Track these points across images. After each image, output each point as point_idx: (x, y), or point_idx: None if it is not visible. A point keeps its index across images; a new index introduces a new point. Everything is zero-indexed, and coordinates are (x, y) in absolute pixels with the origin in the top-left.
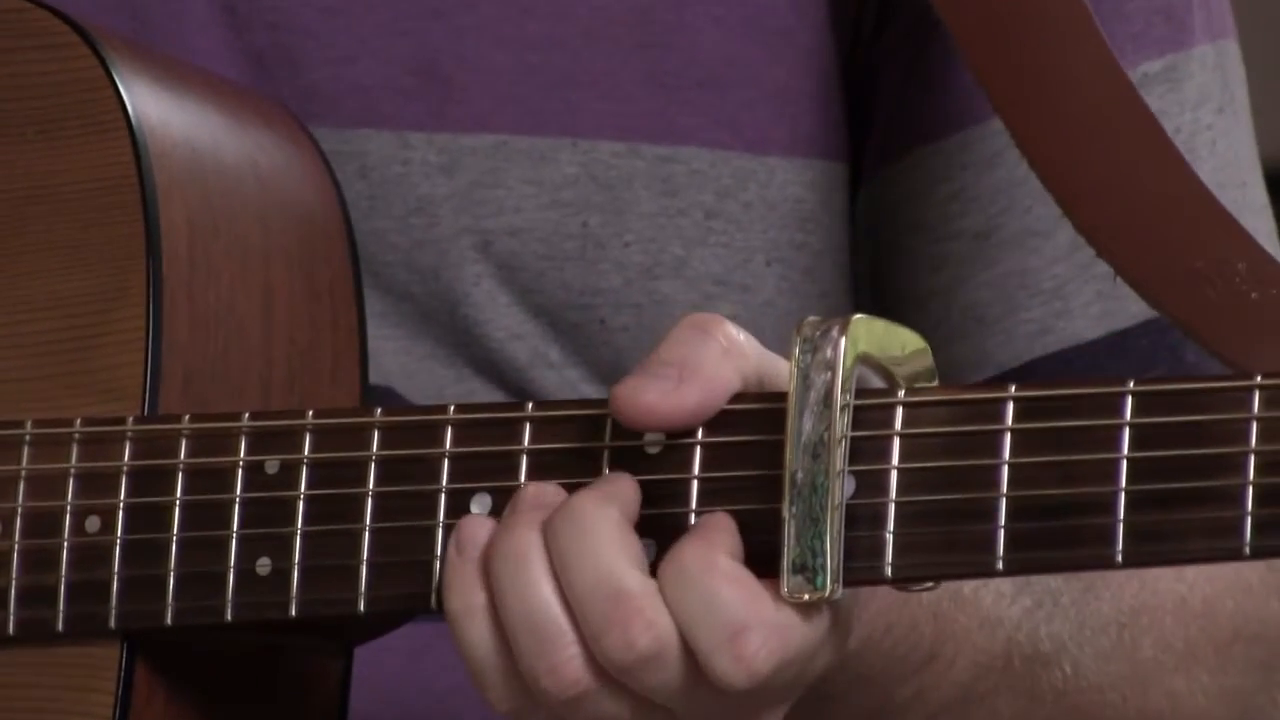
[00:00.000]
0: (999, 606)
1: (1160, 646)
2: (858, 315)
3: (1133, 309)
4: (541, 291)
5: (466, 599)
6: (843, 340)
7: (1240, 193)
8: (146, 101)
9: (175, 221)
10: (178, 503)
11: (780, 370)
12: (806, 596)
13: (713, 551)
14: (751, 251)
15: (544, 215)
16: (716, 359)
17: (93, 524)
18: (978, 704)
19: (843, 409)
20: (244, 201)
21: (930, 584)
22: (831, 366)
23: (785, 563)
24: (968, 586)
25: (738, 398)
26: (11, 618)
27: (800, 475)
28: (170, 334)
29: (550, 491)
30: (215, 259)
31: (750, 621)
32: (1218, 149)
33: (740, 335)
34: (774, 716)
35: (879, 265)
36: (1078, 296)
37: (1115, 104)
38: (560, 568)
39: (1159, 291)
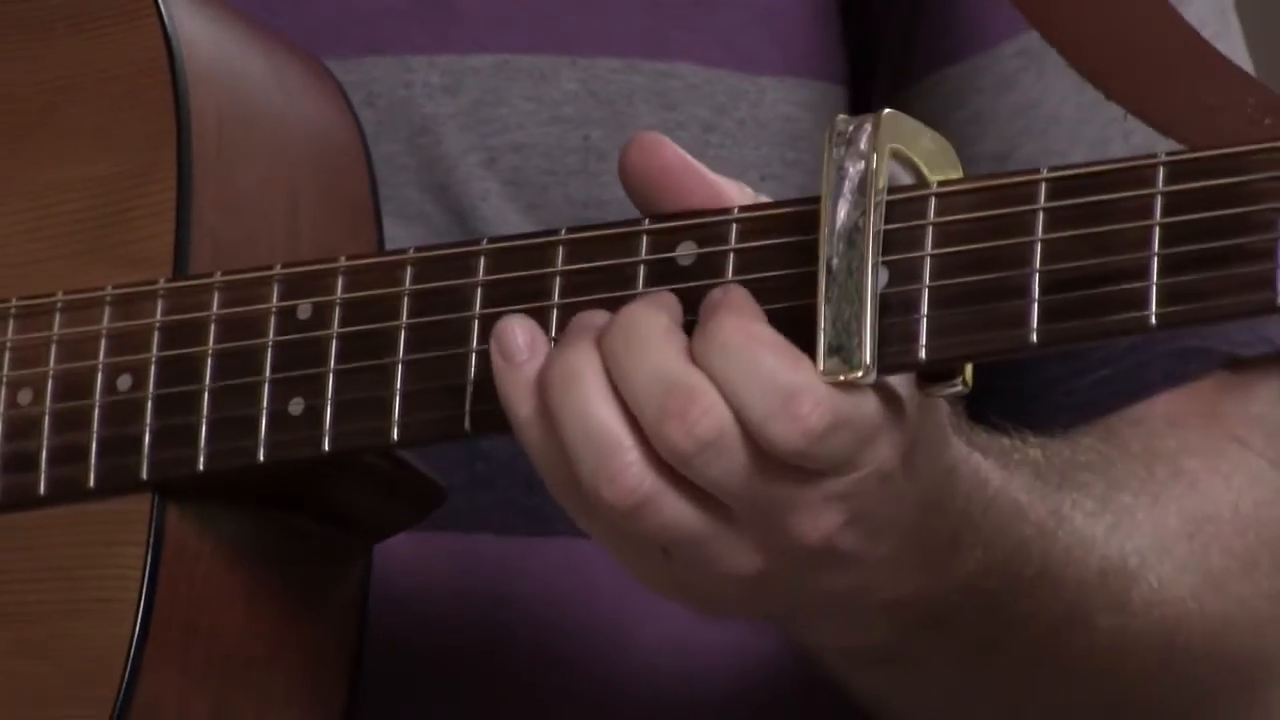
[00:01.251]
0: (1089, 525)
1: (1226, 554)
2: (887, 110)
3: None
4: (547, 205)
5: (522, 409)
6: (877, 131)
7: None
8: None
9: (204, 108)
10: (210, 353)
11: None
12: (842, 377)
13: (747, 321)
14: (745, 168)
15: (545, 131)
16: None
17: (124, 382)
18: (1082, 621)
19: (877, 198)
20: (271, 106)
21: (959, 385)
22: (865, 156)
23: (821, 345)
24: (1064, 505)
25: (770, 205)
26: (43, 477)
27: (835, 262)
28: (199, 209)
29: (600, 315)
30: (242, 151)
31: (800, 384)
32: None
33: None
34: (838, 515)
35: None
36: None
37: None
38: (615, 372)
39: (1172, 124)
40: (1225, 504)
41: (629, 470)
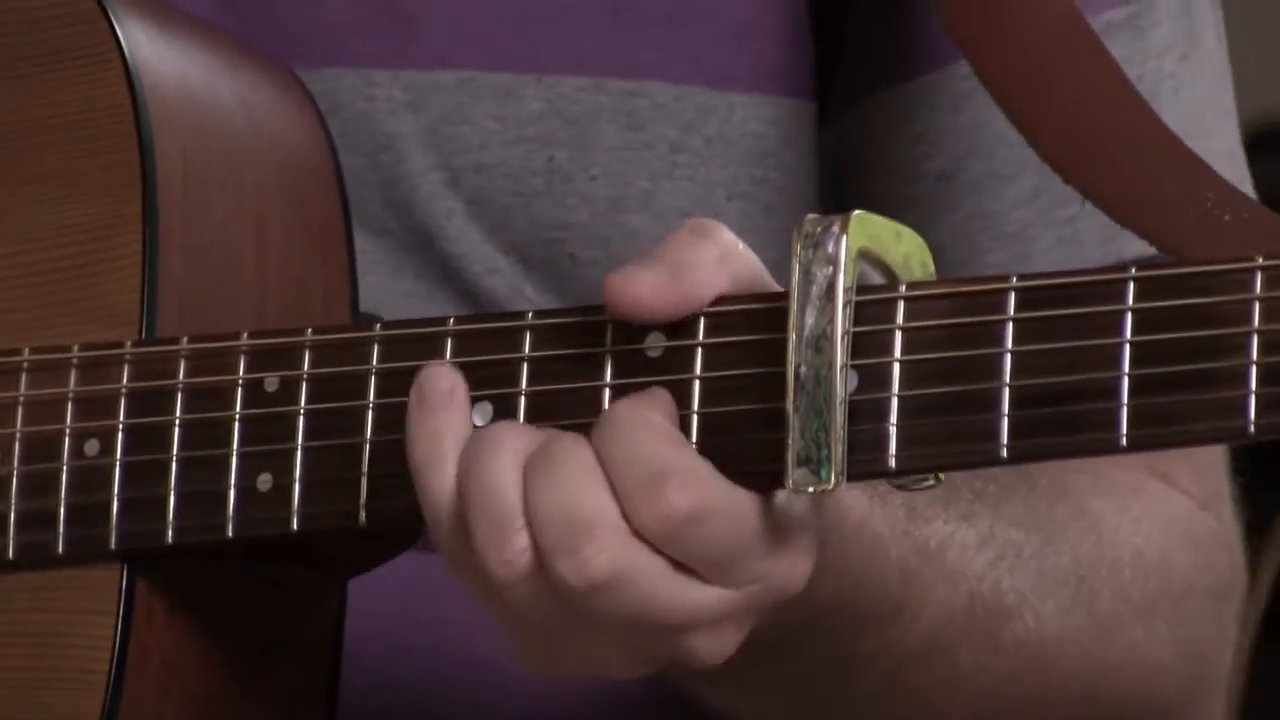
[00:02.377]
0: (963, 560)
1: (1119, 599)
2: (857, 211)
3: (1093, 254)
4: (510, 227)
5: (417, 453)
6: (844, 235)
7: (1205, 141)
8: (140, 36)
9: (169, 152)
10: (177, 423)
11: (771, 284)
12: (811, 489)
13: (644, 408)
14: (713, 186)
15: (509, 151)
16: (711, 262)
17: (92, 447)
18: (940, 656)
19: (845, 303)
20: (236, 137)
21: (931, 480)
22: (833, 260)
23: (790, 456)
24: (934, 539)
25: (739, 298)
26: (11, 543)
27: (804, 370)
28: (166, 262)
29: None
30: (209, 191)
31: (670, 469)
32: (1181, 97)
33: (739, 244)
34: (739, 632)
35: (843, 206)
36: (1039, 241)
37: (1077, 46)
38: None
39: (1131, 216)
40: (1128, 549)
41: (513, 540)
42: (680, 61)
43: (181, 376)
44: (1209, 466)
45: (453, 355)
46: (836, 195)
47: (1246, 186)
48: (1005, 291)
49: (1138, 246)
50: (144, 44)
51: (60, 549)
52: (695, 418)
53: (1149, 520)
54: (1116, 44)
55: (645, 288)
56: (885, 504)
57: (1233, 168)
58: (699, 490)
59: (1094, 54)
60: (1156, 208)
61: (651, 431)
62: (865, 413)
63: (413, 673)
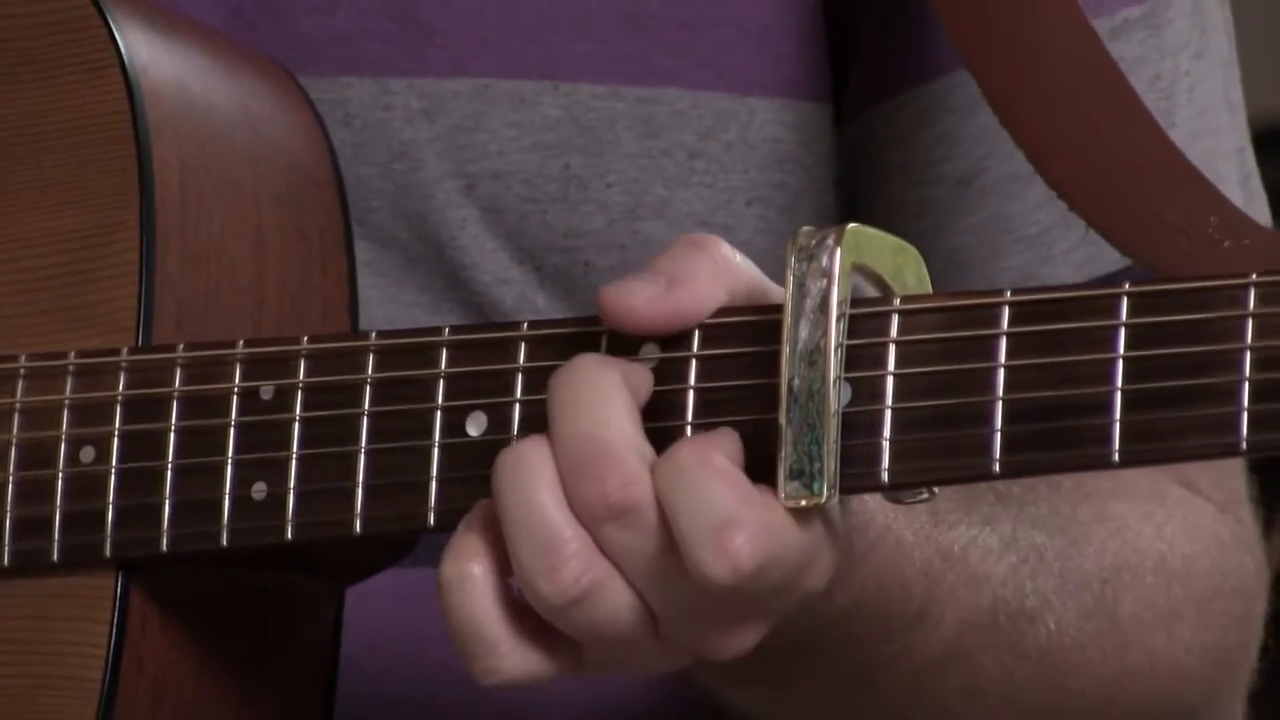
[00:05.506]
0: (986, 563)
1: (1141, 604)
2: (851, 224)
3: (1114, 255)
4: (526, 234)
5: (462, 565)
6: (838, 249)
7: (1215, 139)
8: (139, 42)
9: (167, 159)
10: (172, 430)
11: (772, 293)
12: (803, 502)
13: (709, 449)
14: (733, 192)
15: (526, 158)
16: (708, 274)
17: (87, 454)
18: (963, 660)
19: (839, 316)
20: (235, 144)
21: (925, 494)
22: (827, 274)
23: (782, 469)
24: (957, 544)
25: (734, 310)
26: (6, 549)
27: (797, 383)
28: (163, 269)
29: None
30: (207, 198)
31: (739, 517)
32: (1195, 95)
33: (736, 256)
34: (754, 632)
35: (858, 208)
36: (1060, 242)
37: (1085, 62)
38: (552, 418)
39: (1132, 242)
40: (1151, 554)
41: (569, 564)
42: (698, 68)
43: (177, 384)
44: (1226, 469)
45: (447, 365)
46: (850, 198)
47: (1255, 181)
48: (999, 306)
49: None
50: (143, 50)
51: (55, 556)
52: (689, 429)
53: (1172, 526)
54: (1133, 42)
55: (640, 299)
56: (909, 508)
57: (1241, 164)
58: (767, 540)
59: (1101, 69)
60: (1159, 236)
61: (716, 473)
62: (858, 426)
63: (410, 684)
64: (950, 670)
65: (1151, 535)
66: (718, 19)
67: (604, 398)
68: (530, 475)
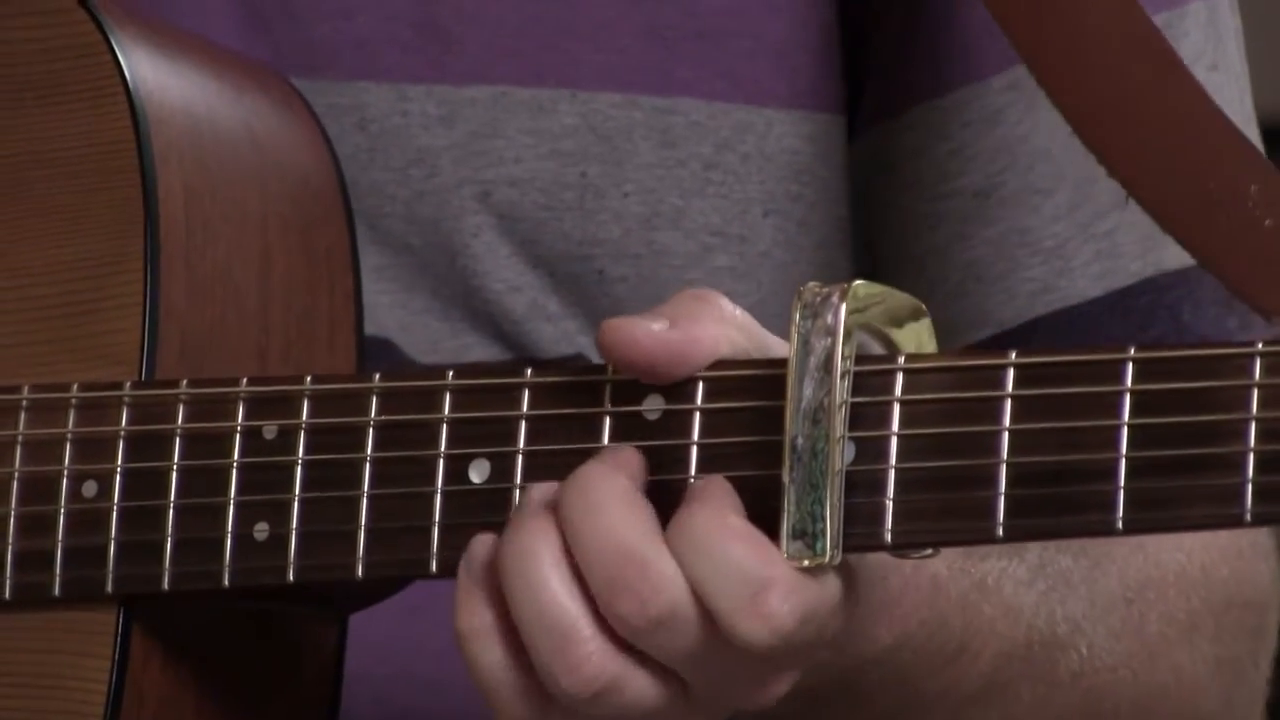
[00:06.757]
0: (1018, 594)
1: (1165, 620)
2: (858, 281)
3: (1132, 267)
4: (540, 242)
5: (475, 618)
6: (843, 306)
7: None
8: (144, 67)
9: (173, 187)
10: (175, 468)
11: (774, 346)
12: (806, 562)
13: (721, 513)
14: (749, 203)
15: (543, 165)
16: (711, 318)
17: (89, 489)
18: (1000, 693)
19: (843, 375)
20: (240, 167)
21: (930, 550)
22: (832, 332)
23: (785, 528)
24: (990, 576)
25: (738, 364)
26: (8, 582)
27: (800, 441)
28: (168, 300)
29: (554, 489)
30: (212, 224)
31: (770, 578)
32: None
33: (737, 311)
34: (789, 680)
35: (874, 221)
36: (1078, 255)
37: (1129, 28)
38: (571, 539)
39: (1171, 214)
40: (1171, 567)
41: (590, 660)
42: (716, 79)
43: (180, 421)
44: None
45: (451, 410)
46: (866, 210)
47: None
48: (1004, 367)
49: (1176, 257)
50: (148, 75)
51: (57, 590)
52: (692, 483)
53: (1192, 538)
54: None
55: (642, 331)
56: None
57: None
58: (800, 596)
59: (1145, 34)
60: (1198, 209)
61: (736, 538)
62: (862, 485)
63: (417, 699)
64: (990, 702)
65: (1171, 546)
66: (736, 31)
67: (616, 505)
68: (538, 566)
